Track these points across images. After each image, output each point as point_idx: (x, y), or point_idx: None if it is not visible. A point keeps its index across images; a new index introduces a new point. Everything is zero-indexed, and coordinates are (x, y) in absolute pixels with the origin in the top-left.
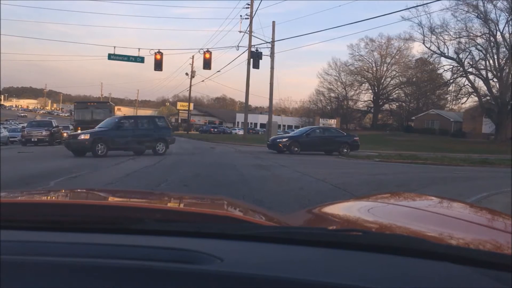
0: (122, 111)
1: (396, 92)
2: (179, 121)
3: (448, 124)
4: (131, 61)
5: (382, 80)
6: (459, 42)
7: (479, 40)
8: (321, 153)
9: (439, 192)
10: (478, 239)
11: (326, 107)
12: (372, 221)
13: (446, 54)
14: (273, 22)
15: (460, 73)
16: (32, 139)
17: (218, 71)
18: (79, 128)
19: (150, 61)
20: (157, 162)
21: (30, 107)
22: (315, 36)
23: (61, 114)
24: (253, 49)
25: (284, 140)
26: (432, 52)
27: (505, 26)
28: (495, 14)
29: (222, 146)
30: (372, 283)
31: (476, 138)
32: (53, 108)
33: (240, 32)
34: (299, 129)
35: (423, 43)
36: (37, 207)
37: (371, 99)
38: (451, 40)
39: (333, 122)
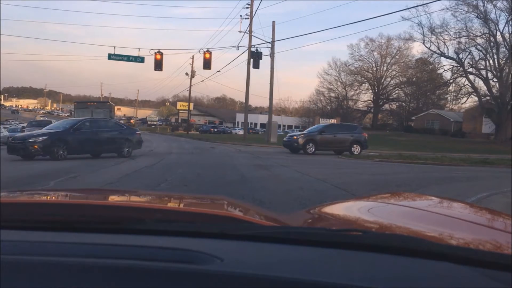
0: (122, 111)
1: (396, 92)
2: (179, 121)
3: (448, 124)
4: (131, 61)
5: (382, 80)
6: (459, 42)
7: (479, 40)
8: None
9: (439, 192)
10: (478, 239)
11: (326, 107)
12: (372, 221)
13: (446, 54)
14: (273, 22)
15: (460, 73)
16: None
17: (218, 71)
18: None
19: (150, 61)
20: (157, 162)
21: (30, 107)
22: (315, 36)
23: (61, 114)
24: (253, 49)
25: (40, 139)
26: (432, 52)
27: (505, 26)
28: (495, 14)
29: (222, 146)
30: (372, 283)
31: (476, 138)
32: (53, 108)
33: (240, 32)
34: (60, 122)
35: (423, 43)
36: (37, 207)
37: (371, 99)
38: (451, 40)
39: (333, 122)
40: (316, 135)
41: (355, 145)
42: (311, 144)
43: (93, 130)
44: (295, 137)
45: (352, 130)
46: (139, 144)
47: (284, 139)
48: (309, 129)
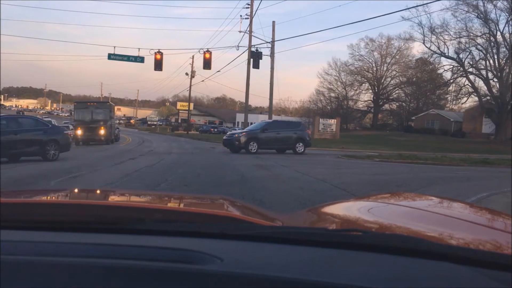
0: (122, 111)
1: (396, 92)
2: (179, 121)
3: (448, 124)
4: (131, 61)
5: (382, 80)
6: (459, 42)
7: (479, 40)
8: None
9: (439, 192)
10: (478, 239)
11: (326, 107)
12: (372, 221)
13: (446, 54)
14: (273, 22)
15: (460, 73)
16: None
17: (218, 71)
18: (79, 128)
19: (150, 61)
20: (157, 162)
21: (30, 107)
22: (315, 36)
23: (61, 114)
24: (253, 49)
25: None
26: (432, 52)
27: (505, 26)
28: (495, 14)
29: (222, 146)
30: (372, 283)
31: (476, 138)
32: (53, 108)
33: (240, 32)
34: None
35: (423, 43)
36: (37, 207)
37: (371, 99)
38: (451, 40)
39: (333, 122)
40: (258, 133)
41: (299, 143)
42: (253, 143)
43: (11, 130)
44: (236, 135)
45: (295, 127)
46: (68, 146)
47: (224, 137)
48: (250, 126)
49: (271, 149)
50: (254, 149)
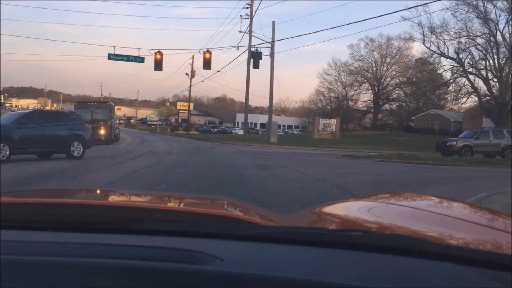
0: (122, 111)
1: (396, 92)
2: (179, 121)
3: (448, 124)
4: (131, 61)
5: (382, 80)
6: (459, 42)
7: (479, 40)
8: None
9: (439, 192)
10: (478, 239)
11: (326, 107)
12: (372, 221)
13: (446, 54)
14: (273, 22)
15: (460, 73)
16: None
17: (218, 71)
18: None
19: (150, 61)
20: (157, 162)
21: (30, 107)
22: (315, 36)
23: None
24: (253, 49)
25: None
26: (432, 52)
27: (505, 26)
28: (495, 14)
29: (222, 146)
30: (372, 283)
31: None
32: (53, 108)
33: (240, 32)
34: None
35: (423, 43)
36: (37, 207)
37: (371, 99)
38: (451, 40)
39: (333, 122)
40: (11, 129)
41: (75, 143)
42: (3, 146)
43: None
44: None
45: (68, 120)
46: None
47: None
48: None
49: (33, 153)
50: (5, 156)
